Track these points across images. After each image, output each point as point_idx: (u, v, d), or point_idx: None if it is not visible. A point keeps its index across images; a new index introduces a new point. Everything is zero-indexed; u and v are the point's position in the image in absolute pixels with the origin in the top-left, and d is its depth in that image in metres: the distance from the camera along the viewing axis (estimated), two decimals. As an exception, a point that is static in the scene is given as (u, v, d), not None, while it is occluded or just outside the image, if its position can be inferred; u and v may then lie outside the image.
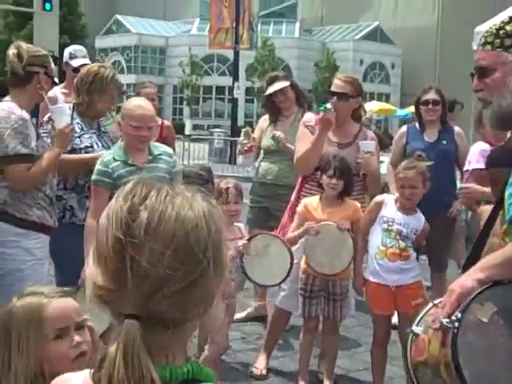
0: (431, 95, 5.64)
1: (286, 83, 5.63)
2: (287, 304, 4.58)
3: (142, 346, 1.05)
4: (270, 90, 5.67)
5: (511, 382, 1.96)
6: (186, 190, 1.15)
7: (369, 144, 4.61)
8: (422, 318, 2.22)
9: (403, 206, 4.15)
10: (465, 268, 2.22)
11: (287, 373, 4.66)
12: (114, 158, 3.89)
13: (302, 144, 4.63)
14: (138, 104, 4.00)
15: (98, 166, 3.87)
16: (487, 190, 3.86)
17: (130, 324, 1.06)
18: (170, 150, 4.18)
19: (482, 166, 4.57)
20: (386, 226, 4.11)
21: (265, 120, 5.89)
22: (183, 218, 1.09)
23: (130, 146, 3.95)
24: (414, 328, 2.18)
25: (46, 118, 4.18)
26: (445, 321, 1.98)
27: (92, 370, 1.11)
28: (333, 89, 4.62)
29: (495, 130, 2.85)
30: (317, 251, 4.18)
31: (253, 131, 6.04)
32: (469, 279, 2.04)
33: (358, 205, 4.34)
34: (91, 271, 1.11)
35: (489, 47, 2.22)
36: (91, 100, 4.23)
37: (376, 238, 4.14)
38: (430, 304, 2.25)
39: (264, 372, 4.60)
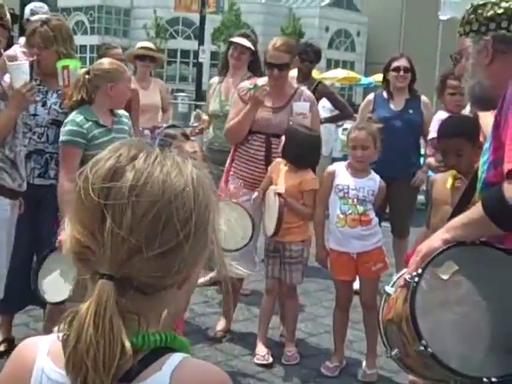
0: (402, 62, 5.69)
1: (250, 45, 5.54)
2: (235, 270, 4.56)
3: (114, 307, 1.02)
4: (237, 39, 5.57)
5: (465, 338, 2.02)
6: (177, 155, 1.11)
7: (302, 105, 4.51)
8: (397, 279, 2.30)
9: (355, 169, 4.15)
10: None
11: (250, 335, 4.70)
12: (85, 119, 3.81)
13: (234, 113, 4.58)
14: (123, 66, 4.04)
15: (69, 127, 3.78)
16: None
17: (104, 283, 1.03)
18: (125, 112, 4.18)
19: None
20: (341, 193, 4.13)
21: (211, 85, 5.85)
22: (171, 181, 1.06)
23: (116, 107, 3.96)
24: (387, 289, 2.28)
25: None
26: (407, 277, 2.06)
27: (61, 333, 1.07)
28: (272, 61, 4.46)
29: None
30: (265, 214, 4.30)
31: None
32: (435, 240, 2.12)
33: (313, 176, 4.31)
34: (71, 227, 1.07)
35: (457, 36, 2.30)
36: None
37: (334, 208, 4.16)
38: (405, 269, 2.31)
39: (218, 335, 4.65)
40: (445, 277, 2.03)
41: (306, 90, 4.77)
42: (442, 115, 5.05)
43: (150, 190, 1.04)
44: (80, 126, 3.77)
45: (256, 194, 4.39)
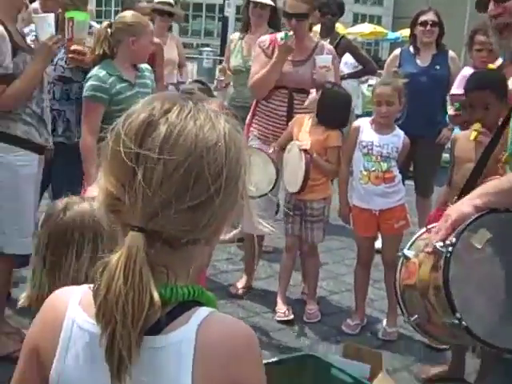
0: (430, 16, 5.56)
1: (270, 2, 5.49)
2: (249, 227, 4.56)
3: (144, 259, 1.04)
4: None
5: (497, 310, 1.98)
6: (210, 109, 1.12)
7: (325, 58, 4.49)
8: (414, 242, 2.24)
9: (380, 126, 4.12)
10: (462, 194, 2.20)
11: (271, 292, 4.72)
12: (108, 73, 3.78)
13: (258, 66, 4.52)
14: (147, 19, 4.02)
15: (92, 82, 3.75)
16: None
17: (134, 235, 1.05)
18: (148, 66, 4.14)
19: (461, 91, 4.59)
20: (365, 150, 4.10)
21: (232, 41, 5.83)
22: (203, 135, 1.06)
23: (138, 62, 3.93)
24: (406, 251, 2.20)
25: (27, 30, 3.87)
26: (438, 245, 1.97)
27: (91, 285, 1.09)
28: (290, 10, 4.43)
29: None
30: (286, 170, 4.24)
31: None
32: (466, 205, 2.01)
33: (338, 133, 4.27)
34: (104, 179, 1.09)
35: None
36: None
37: (358, 164, 4.14)
38: (423, 229, 2.27)
39: (240, 292, 4.68)
40: (479, 246, 1.96)
41: (326, 44, 4.78)
42: (467, 71, 4.96)
43: (183, 143, 1.05)
44: (103, 82, 3.74)
45: (272, 149, 4.34)
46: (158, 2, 6.53)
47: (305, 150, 4.13)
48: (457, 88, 4.95)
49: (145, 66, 4.06)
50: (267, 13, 5.51)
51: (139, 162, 1.04)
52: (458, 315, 1.92)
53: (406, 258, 2.19)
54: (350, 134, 4.22)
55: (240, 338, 1.10)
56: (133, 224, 1.05)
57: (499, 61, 4.81)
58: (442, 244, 1.96)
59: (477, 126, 3.43)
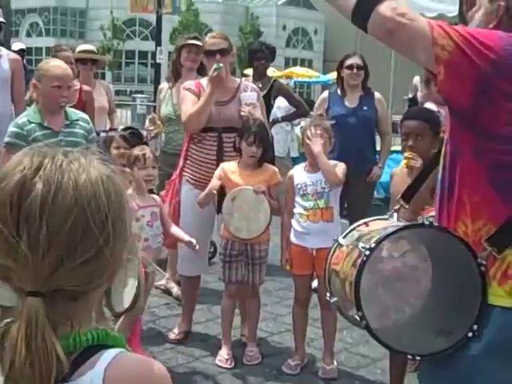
0: (356, 60, 5.73)
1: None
2: (187, 269, 4.60)
3: (45, 322, 1.01)
4: (193, 41, 5.61)
5: (403, 315, 2.06)
6: (81, 154, 1.09)
7: (250, 96, 4.57)
8: (350, 231, 2.34)
9: (311, 166, 4.19)
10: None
11: (211, 336, 4.69)
12: (28, 121, 3.87)
13: (188, 104, 4.52)
14: (55, 64, 4.03)
15: (11, 128, 3.86)
16: None
17: (31, 301, 1.02)
18: (87, 116, 4.20)
19: None
20: (301, 192, 4.17)
21: (161, 91, 5.89)
22: (81, 187, 1.04)
23: (48, 108, 3.95)
24: (340, 239, 2.31)
25: None
26: (361, 245, 2.06)
27: None
28: (213, 47, 4.50)
29: None
30: (234, 216, 4.15)
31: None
32: None
33: (276, 169, 4.35)
34: None
35: None
36: None
37: (297, 207, 4.19)
38: (362, 221, 2.36)
39: (179, 337, 4.61)
40: (396, 254, 2.06)
41: (249, 83, 4.87)
42: (429, 106, 5.10)
43: (62, 201, 1.03)
44: (21, 128, 3.85)
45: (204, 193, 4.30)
46: (81, 51, 6.53)
47: (263, 192, 4.12)
48: None
49: (82, 115, 4.12)
50: (200, 57, 5.56)
51: (20, 228, 1.01)
52: (360, 313, 2.00)
53: (340, 244, 2.29)
54: (288, 184, 4.27)
55: (150, 376, 1.09)
56: (27, 289, 1.02)
57: None
58: (363, 245, 2.05)
59: (407, 153, 3.52)
